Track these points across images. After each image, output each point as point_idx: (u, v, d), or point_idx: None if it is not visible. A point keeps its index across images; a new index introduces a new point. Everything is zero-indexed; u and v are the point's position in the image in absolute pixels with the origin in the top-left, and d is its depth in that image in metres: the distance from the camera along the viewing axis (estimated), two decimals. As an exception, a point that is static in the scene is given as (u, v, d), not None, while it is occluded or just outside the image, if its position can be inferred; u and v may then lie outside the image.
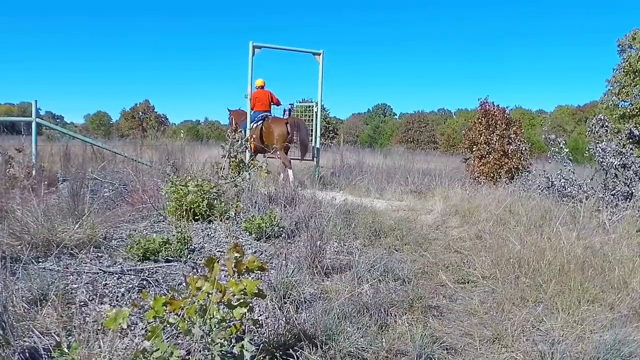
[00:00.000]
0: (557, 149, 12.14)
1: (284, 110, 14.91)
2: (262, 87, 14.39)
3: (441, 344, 4.13)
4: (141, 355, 2.65)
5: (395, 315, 4.58)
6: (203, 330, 2.77)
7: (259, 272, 3.15)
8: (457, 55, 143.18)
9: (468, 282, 5.90)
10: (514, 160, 14.97)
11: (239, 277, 3.00)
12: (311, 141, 14.42)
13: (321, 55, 14.26)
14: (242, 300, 2.93)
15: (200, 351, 2.76)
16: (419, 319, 4.60)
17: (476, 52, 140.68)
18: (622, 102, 42.41)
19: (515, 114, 19.54)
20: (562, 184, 11.40)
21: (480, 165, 15.23)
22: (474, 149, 15.68)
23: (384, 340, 4.00)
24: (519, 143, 15.13)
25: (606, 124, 11.92)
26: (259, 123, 13.92)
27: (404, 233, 7.68)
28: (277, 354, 3.59)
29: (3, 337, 2.88)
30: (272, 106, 14.60)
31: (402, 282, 5.51)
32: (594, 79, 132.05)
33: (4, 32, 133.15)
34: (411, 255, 6.74)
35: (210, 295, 2.88)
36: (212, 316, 2.80)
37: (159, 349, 2.64)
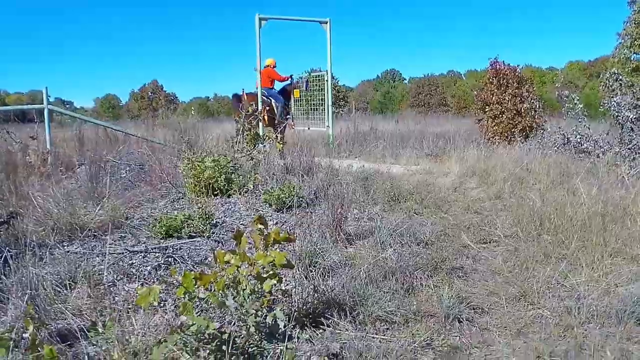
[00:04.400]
0: (571, 105, 12.05)
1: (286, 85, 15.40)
2: (268, 66, 14.70)
3: (468, 304, 4.16)
4: (178, 330, 2.68)
5: (421, 277, 4.59)
6: (237, 301, 2.80)
7: (286, 243, 3.16)
8: (463, 15, 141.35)
9: (490, 242, 5.91)
10: (527, 118, 14.84)
11: (267, 249, 3.02)
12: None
13: (328, 23, 14.19)
14: (271, 272, 2.95)
15: (234, 323, 2.79)
16: (444, 280, 4.63)
17: (482, 12, 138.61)
18: (635, 55, 41.82)
19: (525, 72, 19.28)
20: (578, 140, 11.36)
21: (494, 126, 15.12)
22: (486, 110, 15.55)
23: (412, 302, 4.03)
24: (532, 101, 15.00)
25: (620, 77, 11.81)
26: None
27: (423, 196, 7.68)
28: (307, 322, 3.63)
29: (38, 320, 2.91)
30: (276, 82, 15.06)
31: (425, 245, 5.54)
32: (604, 33, 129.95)
33: (7, 24, 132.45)
34: (431, 218, 6.75)
35: (239, 269, 2.90)
36: (244, 288, 2.83)
37: (195, 323, 2.67)
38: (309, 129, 15.19)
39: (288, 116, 14.75)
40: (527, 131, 14.60)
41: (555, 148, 11.47)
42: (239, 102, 14.91)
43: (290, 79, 15.31)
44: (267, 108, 13.64)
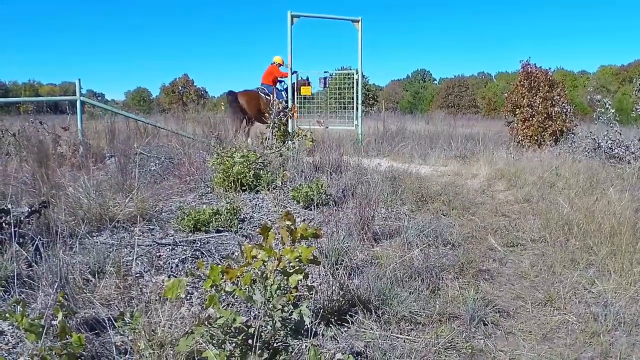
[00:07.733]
0: (602, 110, 11.93)
1: (293, 83, 15.46)
2: (273, 62, 15.15)
3: (493, 306, 4.15)
4: (205, 322, 2.71)
5: (447, 279, 4.60)
6: (264, 296, 2.82)
7: (312, 239, 3.17)
8: (496, 17, 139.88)
9: (517, 246, 5.88)
10: (558, 122, 14.68)
11: (293, 245, 3.03)
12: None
13: (360, 22, 14.19)
14: (297, 268, 2.96)
15: (261, 318, 2.81)
16: (470, 283, 4.62)
17: (515, 14, 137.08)
18: (669, 60, 41.20)
19: (557, 76, 19.03)
20: (609, 145, 11.23)
21: (524, 129, 14.96)
22: (516, 112, 15.40)
23: (437, 303, 4.03)
24: (563, 105, 14.84)
25: (654, 82, 11.68)
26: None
27: (451, 198, 7.66)
28: (332, 319, 3.64)
29: (67, 308, 2.96)
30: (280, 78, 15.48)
31: (452, 247, 5.54)
32: (638, 37, 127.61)
33: (43, 15, 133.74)
34: (459, 220, 6.72)
35: (266, 263, 2.92)
36: (272, 283, 2.85)
37: (222, 316, 2.70)
38: (327, 128, 15.05)
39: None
40: (557, 135, 14.45)
41: (586, 153, 11.37)
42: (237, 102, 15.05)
43: (295, 76, 15.31)
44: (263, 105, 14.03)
